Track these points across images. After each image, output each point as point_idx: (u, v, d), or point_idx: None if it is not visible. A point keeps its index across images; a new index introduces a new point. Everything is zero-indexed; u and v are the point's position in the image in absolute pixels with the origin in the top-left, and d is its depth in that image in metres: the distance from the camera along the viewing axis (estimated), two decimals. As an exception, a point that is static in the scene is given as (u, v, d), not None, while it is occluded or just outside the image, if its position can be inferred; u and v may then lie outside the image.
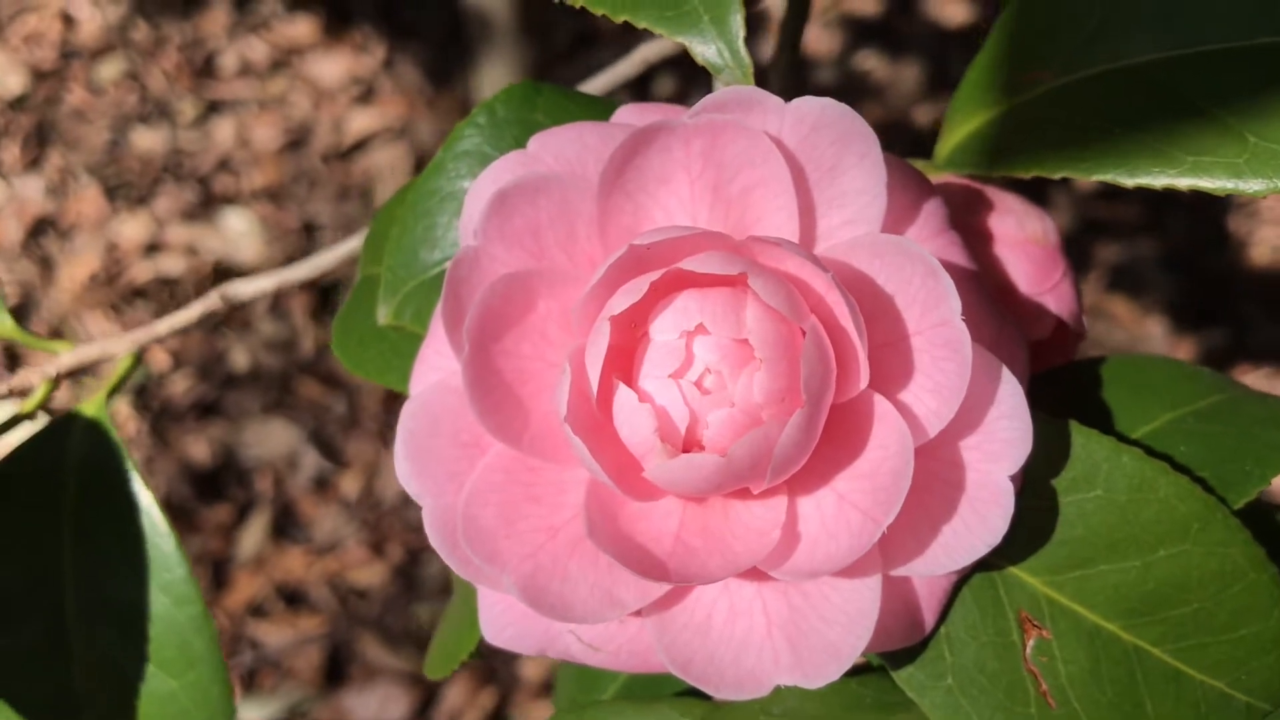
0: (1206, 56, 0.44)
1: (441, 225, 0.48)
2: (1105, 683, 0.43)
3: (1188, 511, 0.43)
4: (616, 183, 0.40)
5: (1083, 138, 0.45)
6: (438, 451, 0.42)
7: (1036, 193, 1.99)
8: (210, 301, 0.60)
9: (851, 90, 2.09)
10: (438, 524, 0.41)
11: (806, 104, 0.41)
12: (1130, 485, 0.43)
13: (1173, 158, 0.43)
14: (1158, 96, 0.44)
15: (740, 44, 0.43)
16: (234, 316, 2.03)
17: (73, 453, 0.59)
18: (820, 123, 0.41)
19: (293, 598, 1.80)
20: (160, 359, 1.99)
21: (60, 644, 0.58)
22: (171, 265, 2.07)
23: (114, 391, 0.59)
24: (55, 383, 0.59)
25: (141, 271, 2.07)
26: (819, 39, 2.16)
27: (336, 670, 1.75)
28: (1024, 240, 0.49)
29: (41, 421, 0.60)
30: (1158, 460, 0.43)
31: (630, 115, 0.45)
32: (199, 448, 1.92)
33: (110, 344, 0.59)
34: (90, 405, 0.59)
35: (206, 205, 2.13)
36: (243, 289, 0.61)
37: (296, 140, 2.16)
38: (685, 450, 0.40)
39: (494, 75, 1.87)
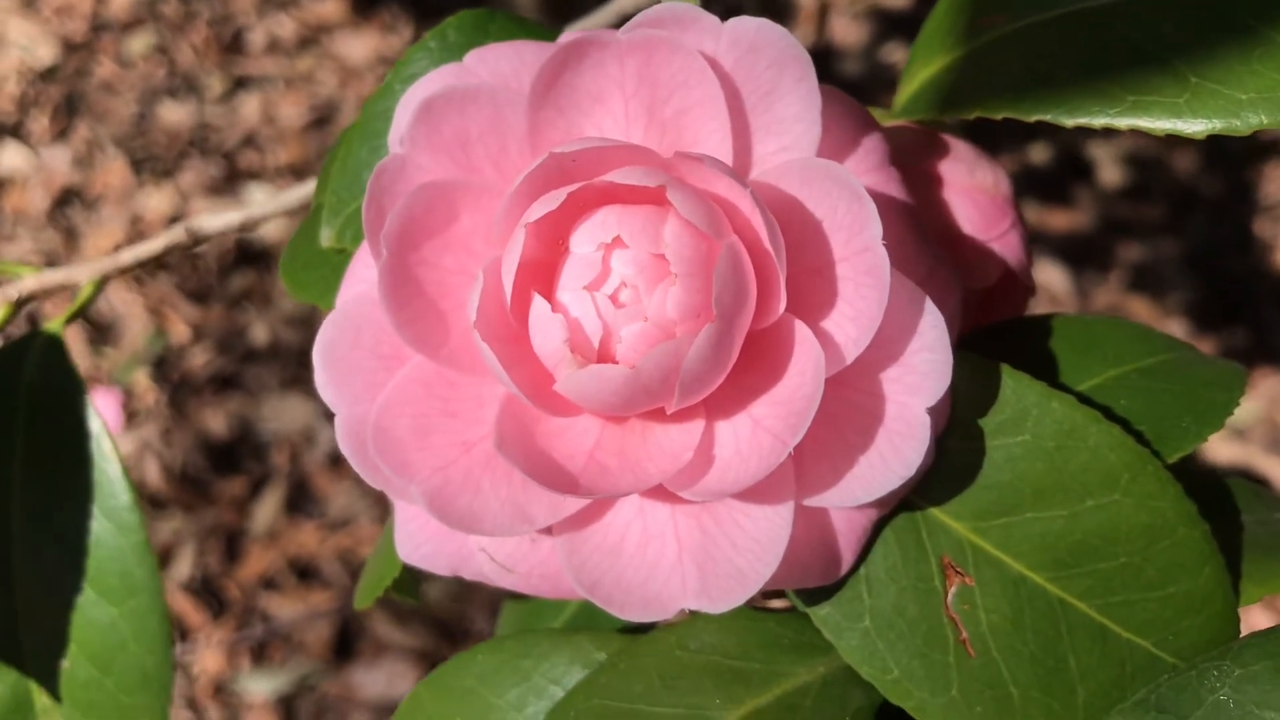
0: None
1: (386, 147, 0.48)
2: (1028, 635, 0.42)
3: (1118, 461, 0.42)
4: (547, 96, 0.40)
5: (1030, 81, 0.44)
6: (357, 362, 0.41)
7: (1059, 184, 1.97)
8: (175, 234, 0.60)
9: (878, 81, 2.08)
10: (349, 432, 0.40)
11: (743, 24, 0.40)
12: (1059, 431, 0.42)
13: (1115, 97, 0.42)
14: (1107, 39, 0.43)
15: (678, -40, 0.42)
16: (255, 291, 2.04)
17: (29, 373, 0.59)
18: (757, 44, 0.40)
19: (304, 572, 1.81)
20: (181, 331, 2.01)
21: (5, 567, 0.58)
22: (194, 238, 2.08)
23: (75, 315, 0.60)
24: (17, 306, 0.59)
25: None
26: (847, 30, 2.15)
27: (346, 645, 1.75)
28: (972, 187, 0.48)
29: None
30: (1089, 408, 0.42)
31: (573, 38, 0.44)
32: (216, 420, 1.93)
33: (73, 271, 0.60)
34: (52, 325, 0.59)
35: (231, 180, 2.14)
36: (208, 223, 0.61)
37: (322, 118, 2.17)
38: (600, 364, 0.39)
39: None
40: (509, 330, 0.39)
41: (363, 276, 0.43)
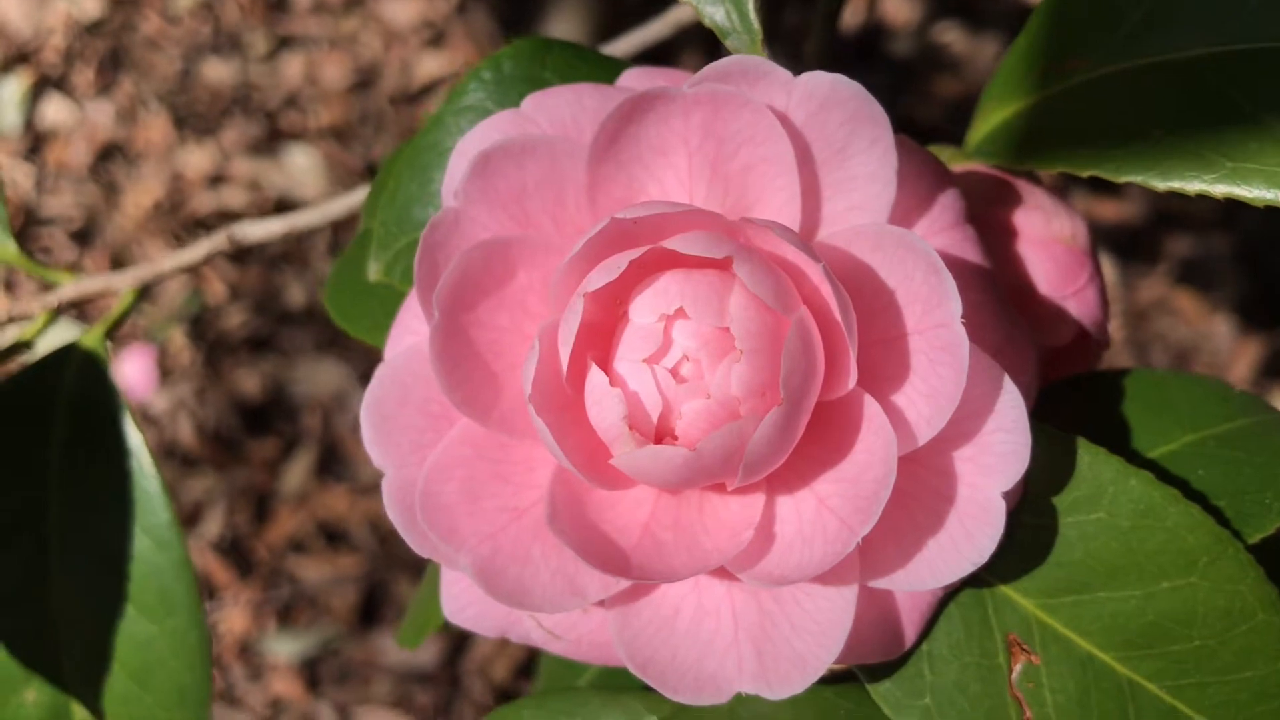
0: (1260, 55, 0.41)
1: (437, 182, 0.46)
2: (1094, 716, 0.41)
3: (1196, 543, 0.40)
4: (609, 151, 0.38)
5: (1116, 134, 0.42)
6: (405, 420, 0.40)
7: (1105, 180, 1.93)
8: (217, 242, 0.59)
9: (928, 62, 2.04)
10: (396, 496, 0.39)
11: (816, 79, 0.38)
12: (1136, 510, 0.40)
13: (1210, 162, 0.40)
14: (1201, 95, 0.41)
15: (750, 7, 0.40)
16: (292, 254, 2.03)
17: (67, 385, 0.58)
18: (830, 101, 0.38)
19: (333, 536, 1.81)
20: (217, 291, 2.00)
21: (41, 579, 0.57)
22: (234, 198, 2.07)
23: (113, 328, 0.58)
24: (55, 313, 0.58)
25: (204, 203, 2.08)
26: (898, 7, 2.11)
27: (371, 611, 1.76)
28: (1049, 240, 0.46)
29: (40, 351, 0.59)
30: (1168, 486, 0.40)
31: (636, 79, 0.43)
32: (250, 381, 1.93)
33: (113, 279, 0.58)
34: (89, 338, 0.58)
35: (272, 140, 2.12)
36: (251, 231, 0.59)
37: (365, 81, 2.15)
38: (658, 440, 0.37)
39: (564, 26, 1.85)
40: (564, 398, 0.38)
41: (412, 328, 0.42)
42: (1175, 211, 1.92)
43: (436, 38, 2.19)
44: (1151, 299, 1.88)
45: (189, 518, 1.82)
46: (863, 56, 1.99)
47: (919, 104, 1.94)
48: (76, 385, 0.58)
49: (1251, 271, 1.88)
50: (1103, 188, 1.93)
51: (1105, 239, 1.90)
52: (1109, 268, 1.88)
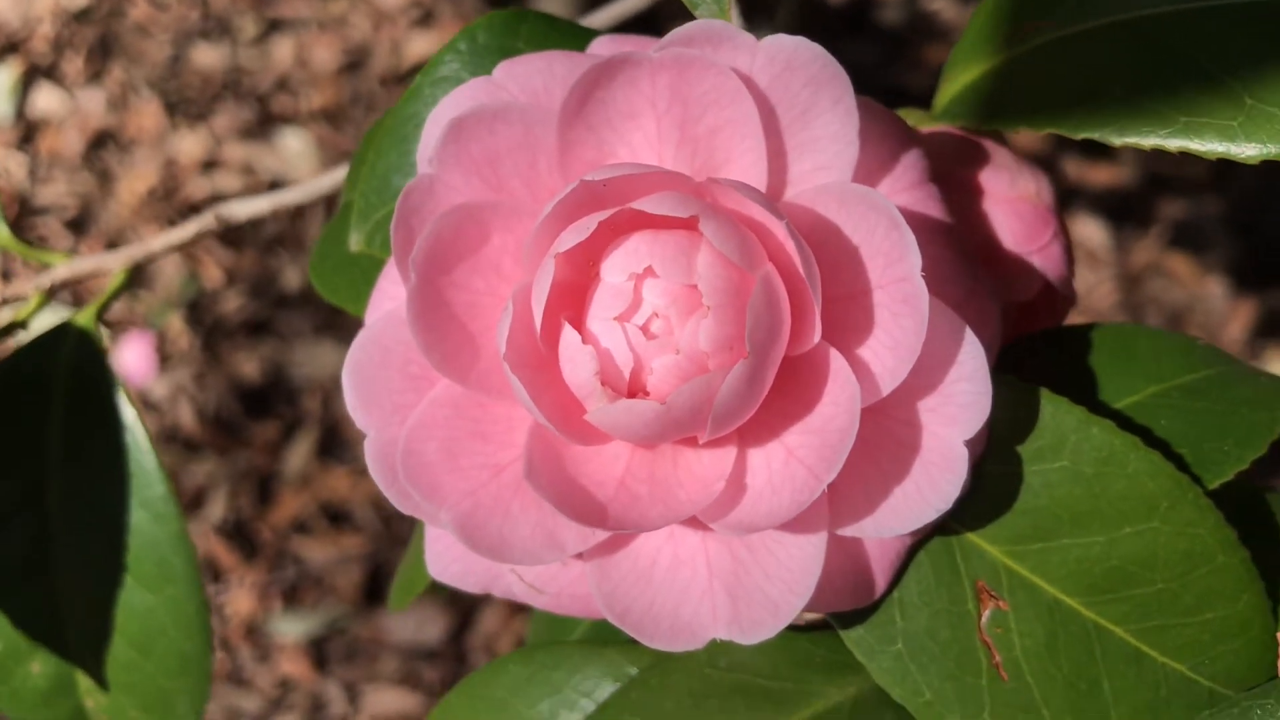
0: (1213, 12, 0.42)
1: (415, 152, 0.47)
2: (1062, 659, 0.42)
3: (1157, 489, 0.41)
4: (579, 115, 0.39)
5: (1077, 94, 0.43)
6: (385, 383, 0.41)
7: (1096, 145, 1.94)
8: (205, 221, 0.60)
9: (918, 30, 2.04)
10: (379, 456, 0.40)
11: (778, 42, 0.39)
12: (1098, 458, 0.41)
13: (1165, 117, 0.41)
14: (1159, 53, 0.42)
15: (717, -24, 0.41)
16: (288, 237, 2.04)
17: (63, 363, 0.59)
18: (793, 63, 0.39)
19: (336, 516, 1.82)
20: (214, 275, 2.01)
21: (44, 553, 0.59)
22: (228, 183, 2.08)
23: (105, 306, 0.59)
24: (49, 294, 0.59)
25: (198, 188, 2.08)
26: (889, -25, 2.11)
27: (376, 589, 1.77)
28: (1014, 198, 0.47)
29: (34, 332, 0.60)
30: (1129, 434, 0.41)
31: (605, 46, 0.44)
32: (249, 365, 1.94)
33: (105, 259, 0.59)
34: (83, 316, 0.59)
35: (264, 124, 2.13)
36: (238, 210, 0.60)
37: (355, 62, 2.16)
38: (630, 395, 0.39)
39: (552, 4, 1.85)
40: (538, 357, 0.39)
41: (390, 294, 0.43)
42: (1167, 175, 1.93)
43: (425, 17, 2.19)
44: (1145, 262, 1.89)
45: (192, 502, 1.83)
46: (853, 27, 1.99)
47: (910, 72, 1.95)
48: (72, 363, 0.59)
49: (1244, 234, 1.89)
50: (1095, 152, 1.93)
51: (1098, 203, 1.91)
52: (1102, 234, 1.89)
